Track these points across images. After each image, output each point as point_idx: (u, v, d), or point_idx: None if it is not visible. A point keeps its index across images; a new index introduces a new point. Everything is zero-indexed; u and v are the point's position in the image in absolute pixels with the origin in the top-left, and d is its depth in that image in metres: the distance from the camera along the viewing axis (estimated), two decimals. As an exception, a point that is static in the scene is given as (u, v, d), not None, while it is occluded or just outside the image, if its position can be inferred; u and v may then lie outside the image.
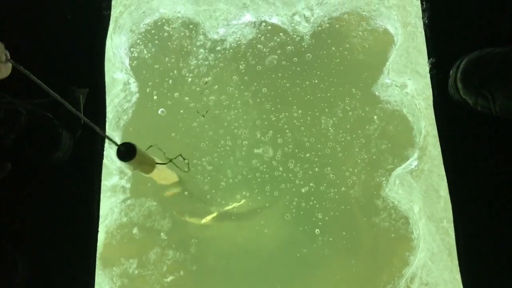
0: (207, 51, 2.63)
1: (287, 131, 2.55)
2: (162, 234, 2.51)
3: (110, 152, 2.43)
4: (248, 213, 2.54)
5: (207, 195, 2.56)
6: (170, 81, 2.64)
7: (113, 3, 2.57)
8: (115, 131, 2.55)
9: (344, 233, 2.43)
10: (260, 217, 2.52)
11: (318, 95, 2.58)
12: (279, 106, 2.58)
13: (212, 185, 2.57)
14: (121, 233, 2.50)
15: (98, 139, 2.33)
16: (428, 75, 2.30)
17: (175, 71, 2.65)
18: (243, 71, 2.63)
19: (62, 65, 2.39)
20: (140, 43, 2.68)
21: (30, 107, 2.23)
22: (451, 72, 2.15)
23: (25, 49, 2.39)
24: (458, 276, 2.13)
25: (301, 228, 2.45)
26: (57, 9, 2.42)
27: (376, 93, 2.52)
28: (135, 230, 2.51)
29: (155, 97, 2.64)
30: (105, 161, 2.32)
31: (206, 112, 2.60)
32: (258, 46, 2.63)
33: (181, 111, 2.62)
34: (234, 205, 2.56)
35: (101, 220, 2.26)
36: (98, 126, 2.37)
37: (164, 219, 2.53)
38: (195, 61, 2.62)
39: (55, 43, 2.42)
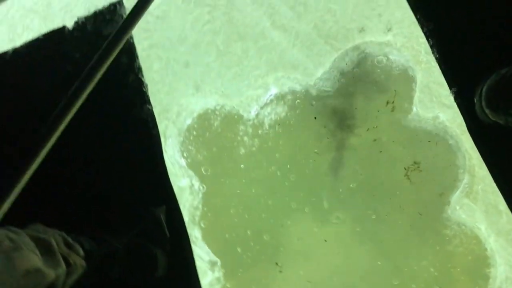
0: (250, 137, 2.87)
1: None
2: None
3: (199, 252, 2.74)
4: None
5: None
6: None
7: (157, 119, 2.90)
8: (194, 227, 2.85)
9: (427, 267, 2.59)
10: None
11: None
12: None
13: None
14: None
15: (185, 246, 2.66)
16: (455, 104, 2.48)
17: (226, 157, 2.91)
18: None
19: (134, 191, 2.74)
20: (188, 143, 2.96)
21: (123, 239, 2.57)
22: (475, 100, 2.32)
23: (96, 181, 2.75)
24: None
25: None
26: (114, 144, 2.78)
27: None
28: None
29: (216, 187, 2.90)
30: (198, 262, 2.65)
31: None
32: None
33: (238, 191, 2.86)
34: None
35: None
36: (181, 236, 2.71)
37: None
38: (243, 150, 2.86)
39: (120, 177, 2.78)
